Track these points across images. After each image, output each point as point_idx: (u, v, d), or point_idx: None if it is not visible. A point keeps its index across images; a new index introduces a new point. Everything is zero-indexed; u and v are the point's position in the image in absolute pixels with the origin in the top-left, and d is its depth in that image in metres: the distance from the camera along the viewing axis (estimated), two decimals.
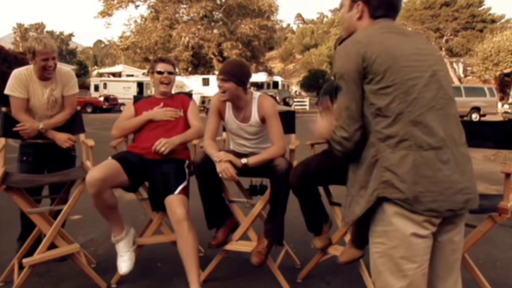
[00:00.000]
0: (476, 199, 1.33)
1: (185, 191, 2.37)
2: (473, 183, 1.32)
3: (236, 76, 2.35)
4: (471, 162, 1.35)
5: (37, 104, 2.66)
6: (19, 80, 2.60)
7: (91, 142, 2.58)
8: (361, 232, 2.20)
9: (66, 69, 2.86)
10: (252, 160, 2.32)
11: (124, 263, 2.36)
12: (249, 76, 2.46)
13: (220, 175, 2.26)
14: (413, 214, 1.26)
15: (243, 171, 2.33)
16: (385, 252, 1.34)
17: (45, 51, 2.50)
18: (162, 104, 2.65)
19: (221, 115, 2.55)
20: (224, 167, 2.24)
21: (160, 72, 2.64)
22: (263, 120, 2.45)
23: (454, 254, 1.40)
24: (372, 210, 1.34)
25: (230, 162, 2.26)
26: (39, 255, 2.34)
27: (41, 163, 2.76)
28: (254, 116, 2.46)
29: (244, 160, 2.30)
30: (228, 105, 2.51)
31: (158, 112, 2.60)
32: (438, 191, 1.24)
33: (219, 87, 2.37)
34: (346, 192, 1.45)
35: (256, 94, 2.51)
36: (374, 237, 1.38)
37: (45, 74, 2.60)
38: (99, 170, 2.23)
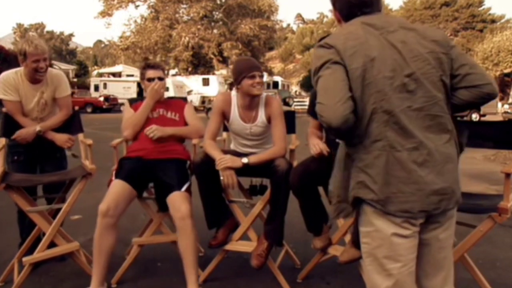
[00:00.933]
0: (453, 199, 1.30)
1: (188, 191, 2.38)
2: (453, 183, 1.30)
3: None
4: (454, 161, 1.32)
5: (28, 107, 2.64)
6: (8, 83, 2.57)
7: (89, 141, 2.58)
8: None
9: (56, 71, 2.83)
10: (252, 159, 2.32)
11: None
12: None
13: (222, 181, 2.28)
14: (389, 215, 1.27)
15: (243, 171, 2.32)
16: (370, 252, 1.35)
17: (36, 53, 2.46)
18: (158, 110, 2.66)
19: (224, 116, 2.54)
20: (227, 174, 2.25)
21: (150, 80, 2.64)
22: (269, 120, 2.46)
23: (442, 251, 1.39)
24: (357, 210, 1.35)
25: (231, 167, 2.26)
26: (39, 254, 2.34)
27: (33, 162, 2.74)
28: (261, 116, 2.47)
29: (245, 160, 2.30)
30: (235, 104, 2.50)
31: (152, 94, 2.61)
32: (410, 192, 1.24)
33: (258, 83, 2.36)
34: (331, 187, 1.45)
35: (263, 94, 2.52)
36: (361, 237, 1.39)
37: (37, 76, 2.57)
38: (106, 202, 2.23)
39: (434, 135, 1.27)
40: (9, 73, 2.62)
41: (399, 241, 1.29)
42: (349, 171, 1.33)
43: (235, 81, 2.43)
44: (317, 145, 2.23)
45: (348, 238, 2.36)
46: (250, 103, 2.45)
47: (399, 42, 1.28)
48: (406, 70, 1.26)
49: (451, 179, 1.30)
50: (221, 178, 2.27)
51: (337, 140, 1.47)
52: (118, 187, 2.32)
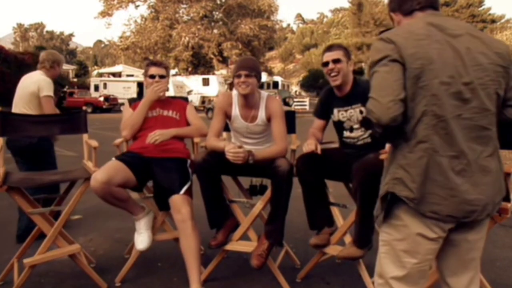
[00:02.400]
0: (485, 211, 1.32)
1: (189, 191, 2.38)
2: (488, 196, 1.31)
3: (258, 72, 2.43)
4: (494, 175, 1.33)
5: None
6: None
7: (94, 143, 2.56)
8: (363, 232, 2.20)
9: None
10: (257, 154, 2.29)
11: (142, 239, 2.39)
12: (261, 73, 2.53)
13: (231, 157, 2.22)
14: (420, 215, 1.30)
15: (243, 171, 2.34)
16: (389, 242, 1.40)
17: None
18: (157, 109, 2.65)
19: (226, 114, 2.56)
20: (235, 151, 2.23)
21: (152, 76, 2.64)
22: (269, 119, 2.48)
23: (470, 253, 1.42)
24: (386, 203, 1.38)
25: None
26: (40, 256, 2.34)
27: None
28: (261, 115, 2.49)
29: (252, 151, 2.31)
30: (236, 103, 2.52)
31: (151, 93, 2.60)
32: (443, 196, 1.27)
33: (243, 82, 2.37)
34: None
35: (264, 94, 2.54)
36: (383, 226, 1.43)
37: None
38: (102, 172, 2.24)
39: (479, 146, 1.29)
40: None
41: (422, 241, 1.33)
42: (387, 166, 1.36)
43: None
44: (309, 145, 2.29)
45: (348, 239, 2.36)
46: (247, 101, 2.47)
47: (464, 48, 1.28)
48: (465, 78, 1.25)
49: (487, 192, 1.31)
50: (230, 154, 2.23)
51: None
52: (113, 163, 2.36)
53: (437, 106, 1.24)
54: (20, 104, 3.21)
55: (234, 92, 2.54)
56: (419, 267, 1.36)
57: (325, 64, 2.38)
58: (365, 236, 2.21)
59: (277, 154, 2.36)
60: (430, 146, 1.25)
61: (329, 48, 2.43)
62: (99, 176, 2.20)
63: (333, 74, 2.33)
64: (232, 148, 2.23)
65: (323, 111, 2.55)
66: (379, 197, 1.38)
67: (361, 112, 2.34)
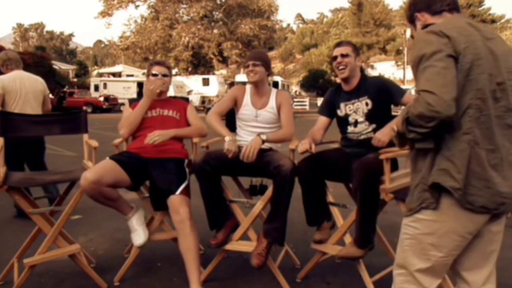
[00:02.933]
0: (510, 204, 1.38)
1: (187, 191, 2.38)
2: None
3: (265, 61, 2.61)
4: None
5: None
6: None
7: (94, 143, 2.56)
8: (364, 232, 2.20)
9: None
10: (269, 136, 2.46)
11: (138, 236, 2.40)
12: (271, 64, 2.73)
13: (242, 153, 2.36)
14: (459, 208, 1.33)
15: (244, 171, 2.38)
16: (415, 236, 1.42)
17: None
18: (158, 109, 2.65)
19: (235, 102, 2.69)
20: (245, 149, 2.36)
21: (154, 75, 2.65)
22: (279, 109, 2.62)
23: (491, 244, 1.48)
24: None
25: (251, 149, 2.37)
26: (40, 256, 2.34)
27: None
28: (272, 103, 2.63)
29: (263, 136, 2.42)
30: (248, 93, 2.68)
31: (150, 91, 2.59)
32: (478, 187, 1.32)
33: (251, 70, 2.56)
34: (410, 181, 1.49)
35: (274, 89, 2.74)
36: (408, 220, 1.45)
37: None
38: (92, 171, 2.24)
39: (507, 143, 1.36)
40: None
41: (453, 237, 1.37)
42: (431, 158, 1.37)
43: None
44: (303, 144, 2.38)
45: (348, 239, 2.37)
46: (258, 90, 2.65)
47: (498, 50, 1.37)
48: (498, 78, 1.34)
49: None
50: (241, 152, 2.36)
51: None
52: (105, 162, 2.36)
53: (481, 100, 1.31)
54: (35, 104, 3.51)
55: (248, 85, 2.72)
56: (444, 260, 1.41)
57: (334, 58, 2.46)
58: (365, 236, 2.21)
59: (285, 136, 2.55)
60: (473, 138, 1.31)
61: (339, 44, 2.52)
62: (88, 175, 2.20)
63: (341, 67, 2.41)
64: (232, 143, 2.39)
65: (327, 109, 2.60)
66: (423, 189, 1.38)
67: (366, 104, 2.39)
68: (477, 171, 1.31)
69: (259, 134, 2.43)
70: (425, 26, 1.47)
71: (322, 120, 2.61)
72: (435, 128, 1.28)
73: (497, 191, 1.32)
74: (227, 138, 2.43)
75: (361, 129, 2.42)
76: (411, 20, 1.58)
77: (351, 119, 2.44)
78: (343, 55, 2.41)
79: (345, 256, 2.28)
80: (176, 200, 2.30)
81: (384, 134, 2.17)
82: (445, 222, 1.36)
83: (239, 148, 2.41)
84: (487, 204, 1.33)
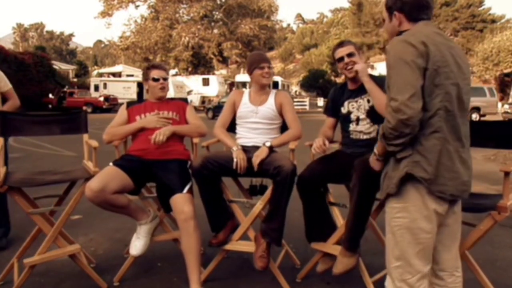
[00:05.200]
0: (469, 191, 1.60)
1: (190, 191, 2.38)
2: (471, 178, 1.60)
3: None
4: (471, 162, 1.62)
5: None
6: None
7: (94, 143, 2.56)
8: (355, 232, 2.20)
9: None
10: (274, 142, 2.50)
11: (138, 245, 2.40)
12: None
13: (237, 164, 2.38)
14: (430, 194, 1.51)
15: (246, 171, 2.39)
16: (405, 225, 1.57)
17: None
18: (156, 111, 2.64)
19: (235, 105, 2.72)
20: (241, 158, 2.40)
21: (155, 79, 2.66)
22: (279, 107, 2.64)
23: (456, 223, 1.67)
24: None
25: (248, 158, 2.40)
26: (40, 256, 2.34)
27: None
28: (271, 101, 2.67)
29: (268, 143, 2.44)
30: (246, 93, 2.74)
31: (151, 120, 2.59)
32: (448, 178, 1.51)
33: (267, 72, 2.62)
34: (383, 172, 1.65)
35: (273, 90, 2.77)
36: (393, 212, 1.60)
37: None
38: (96, 180, 2.22)
39: (466, 139, 1.57)
40: None
41: (433, 217, 1.54)
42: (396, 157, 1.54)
43: (248, 71, 2.70)
44: (319, 141, 2.41)
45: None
46: (262, 91, 2.69)
47: (458, 57, 1.54)
48: (460, 82, 1.51)
49: (471, 175, 1.60)
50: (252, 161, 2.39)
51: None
52: (109, 169, 2.35)
53: (449, 102, 1.48)
54: None
55: (247, 90, 2.77)
56: (431, 238, 1.56)
57: (340, 59, 2.45)
58: (355, 238, 2.20)
59: (294, 136, 2.57)
60: (442, 135, 1.49)
61: (340, 44, 2.50)
62: (92, 185, 2.19)
63: (349, 67, 2.41)
64: (241, 155, 2.39)
65: (332, 109, 2.62)
66: (398, 179, 1.53)
67: (368, 101, 2.39)
68: (447, 164, 1.50)
69: (264, 143, 2.45)
70: (398, 31, 1.62)
71: (329, 120, 2.65)
72: (411, 136, 1.45)
73: (462, 181, 1.54)
74: (234, 148, 2.45)
75: (363, 128, 2.42)
76: (389, 11, 1.66)
77: (353, 116, 2.45)
78: (349, 55, 2.41)
79: (342, 272, 2.24)
80: (181, 199, 2.29)
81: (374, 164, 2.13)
82: (427, 204, 1.52)
83: (246, 152, 2.44)
84: (455, 192, 1.53)
